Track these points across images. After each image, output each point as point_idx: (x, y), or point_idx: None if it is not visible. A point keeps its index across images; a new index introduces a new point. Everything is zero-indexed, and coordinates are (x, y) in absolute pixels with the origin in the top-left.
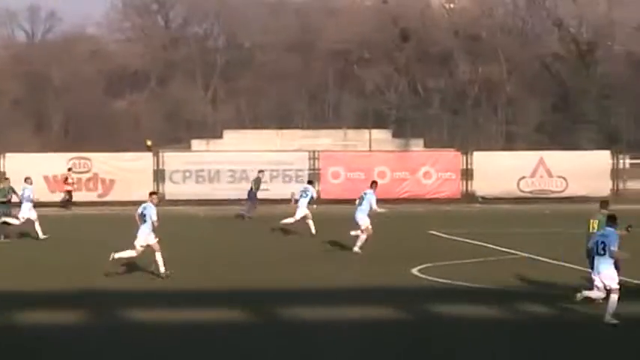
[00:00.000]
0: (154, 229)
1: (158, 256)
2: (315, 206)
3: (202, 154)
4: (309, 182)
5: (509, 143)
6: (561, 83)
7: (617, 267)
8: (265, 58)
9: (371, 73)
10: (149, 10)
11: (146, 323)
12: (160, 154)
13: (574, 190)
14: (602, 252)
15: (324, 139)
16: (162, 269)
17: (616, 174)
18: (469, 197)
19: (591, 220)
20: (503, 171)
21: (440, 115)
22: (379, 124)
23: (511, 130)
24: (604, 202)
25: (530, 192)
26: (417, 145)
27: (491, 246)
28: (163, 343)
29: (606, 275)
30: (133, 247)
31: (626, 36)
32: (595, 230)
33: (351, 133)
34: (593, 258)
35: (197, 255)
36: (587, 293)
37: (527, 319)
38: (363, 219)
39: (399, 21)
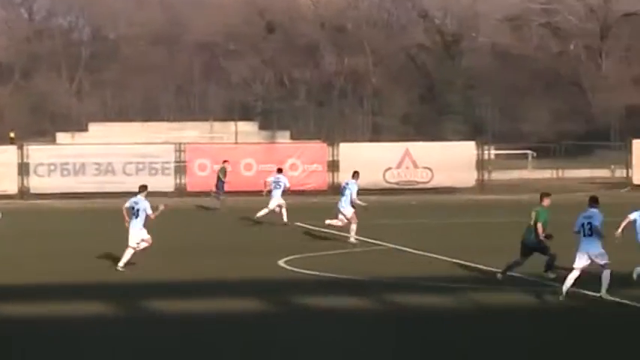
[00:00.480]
0: (146, 224)
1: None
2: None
3: (67, 147)
4: (279, 170)
5: (376, 134)
6: (427, 75)
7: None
8: (131, 51)
9: (237, 65)
10: (12, 3)
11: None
12: (25, 148)
13: (439, 180)
14: (588, 232)
15: (191, 132)
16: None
17: (481, 165)
18: (335, 189)
19: (532, 212)
20: (369, 162)
21: (306, 107)
22: (246, 117)
23: (377, 121)
24: (545, 195)
25: (397, 183)
26: (284, 137)
27: (359, 237)
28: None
29: (596, 254)
30: (129, 247)
31: (491, 28)
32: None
33: (217, 125)
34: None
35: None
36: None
37: (391, 309)
38: (346, 208)
39: (265, 13)
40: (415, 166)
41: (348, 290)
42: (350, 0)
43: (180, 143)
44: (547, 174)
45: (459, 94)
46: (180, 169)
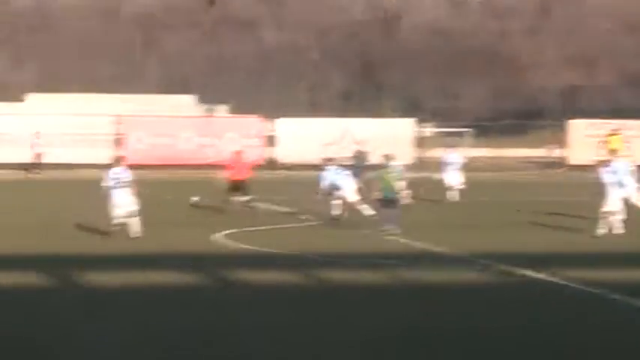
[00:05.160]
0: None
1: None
2: None
3: (3, 117)
4: None
5: (314, 110)
6: (366, 51)
7: None
8: (69, 22)
9: (176, 38)
10: None
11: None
12: None
13: (378, 158)
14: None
15: (129, 104)
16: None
17: (419, 142)
18: (272, 164)
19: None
20: (306, 138)
21: (245, 81)
22: (184, 90)
23: (315, 97)
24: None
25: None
26: (223, 111)
27: (293, 212)
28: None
29: None
30: (131, 216)
31: (430, 5)
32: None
33: (155, 98)
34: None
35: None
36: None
37: (328, 285)
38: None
39: None
40: (355, 142)
41: (298, 265)
42: None
43: (118, 115)
44: (484, 152)
45: (397, 72)
46: (118, 141)
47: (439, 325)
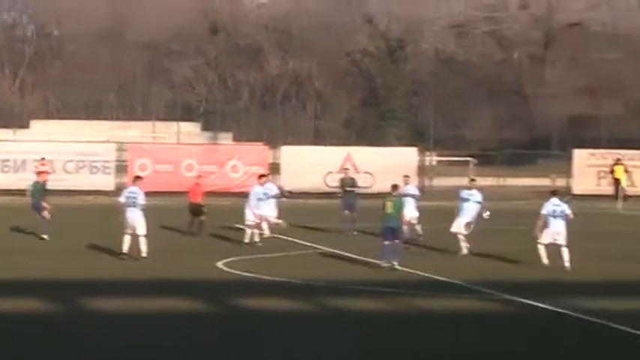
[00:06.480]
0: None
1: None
2: None
3: (8, 143)
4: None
5: (318, 138)
6: (370, 80)
7: None
8: (74, 48)
9: (180, 66)
10: None
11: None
12: None
13: (381, 186)
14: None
15: (133, 131)
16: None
17: (422, 171)
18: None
19: (386, 202)
20: (310, 166)
21: (249, 109)
22: (188, 117)
23: (320, 125)
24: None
25: (337, 187)
26: (226, 138)
27: (297, 241)
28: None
29: None
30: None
31: (435, 34)
32: (390, 211)
33: (159, 125)
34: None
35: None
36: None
37: (331, 312)
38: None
39: (210, 14)
40: (356, 170)
41: (299, 293)
42: (295, 2)
43: (121, 142)
44: (488, 181)
45: (401, 100)
46: (122, 168)
47: (439, 353)
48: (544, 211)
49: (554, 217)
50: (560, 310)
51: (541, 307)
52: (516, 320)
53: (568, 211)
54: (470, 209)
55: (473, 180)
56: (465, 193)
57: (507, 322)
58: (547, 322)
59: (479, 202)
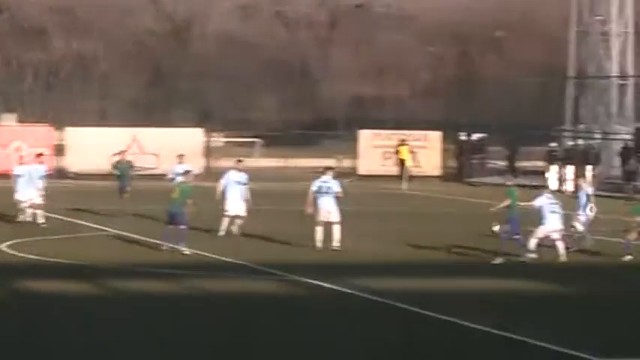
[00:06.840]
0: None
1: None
2: None
3: None
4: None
5: (104, 119)
6: (156, 61)
7: None
8: None
9: None
10: None
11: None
12: None
13: (166, 167)
14: None
15: None
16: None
17: (209, 151)
18: (61, 173)
19: (175, 188)
20: (95, 147)
21: (34, 90)
22: None
23: (105, 106)
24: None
25: None
26: (10, 119)
27: (83, 222)
28: None
29: None
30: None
31: (221, 16)
32: (175, 196)
33: None
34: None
35: None
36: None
37: (116, 294)
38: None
39: None
40: (142, 151)
41: (85, 275)
42: None
43: None
44: (274, 162)
45: (188, 81)
46: None
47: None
48: (313, 188)
49: (322, 193)
50: (348, 291)
51: (332, 288)
52: (309, 301)
53: (337, 189)
54: (238, 191)
55: (240, 161)
56: (233, 175)
57: (300, 304)
58: (340, 303)
59: (244, 184)
